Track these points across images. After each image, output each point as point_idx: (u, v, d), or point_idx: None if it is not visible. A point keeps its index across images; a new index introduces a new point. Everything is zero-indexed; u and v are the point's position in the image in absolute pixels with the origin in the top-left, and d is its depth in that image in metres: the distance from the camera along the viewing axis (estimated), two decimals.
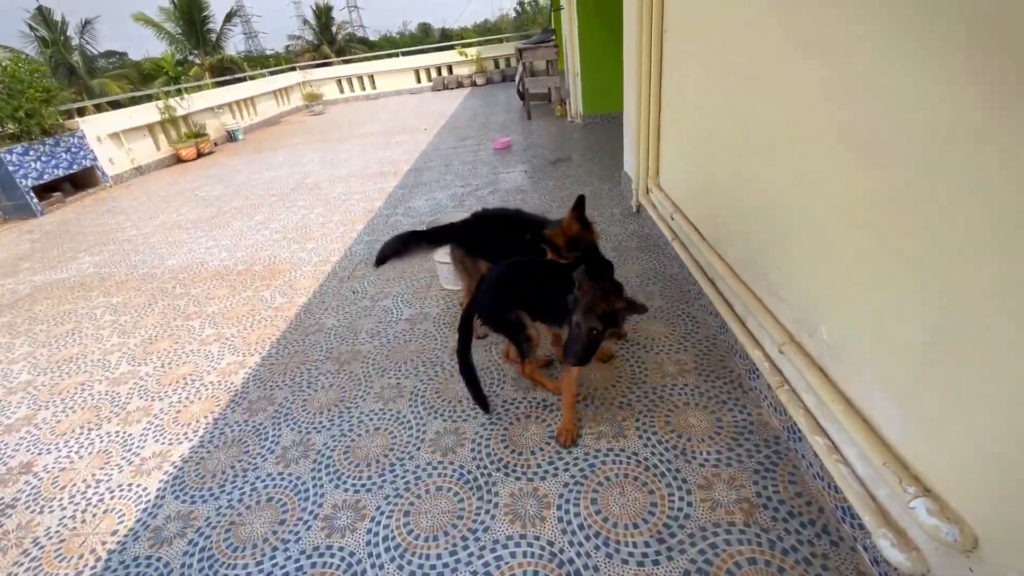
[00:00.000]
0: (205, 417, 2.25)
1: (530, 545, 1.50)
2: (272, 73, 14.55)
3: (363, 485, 1.78)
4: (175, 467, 1.99)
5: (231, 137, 10.48)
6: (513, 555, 1.48)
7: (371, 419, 2.09)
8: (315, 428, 2.08)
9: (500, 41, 16.29)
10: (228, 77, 14.61)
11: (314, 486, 1.81)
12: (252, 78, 13.54)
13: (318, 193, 5.58)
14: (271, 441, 2.04)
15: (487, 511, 1.62)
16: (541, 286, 1.88)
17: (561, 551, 1.47)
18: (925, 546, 1.12)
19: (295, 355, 2.61)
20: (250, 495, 1.81)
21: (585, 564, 1.42)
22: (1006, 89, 0.82)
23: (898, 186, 1.10)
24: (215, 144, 9.85)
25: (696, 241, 2.37)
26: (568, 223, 2.01)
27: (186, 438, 2.14)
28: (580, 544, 1.48)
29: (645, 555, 1.42)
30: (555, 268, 1.92)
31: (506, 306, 1.90)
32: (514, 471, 1.76)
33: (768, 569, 1.34)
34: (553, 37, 8.56)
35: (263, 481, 1.86)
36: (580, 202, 2.02)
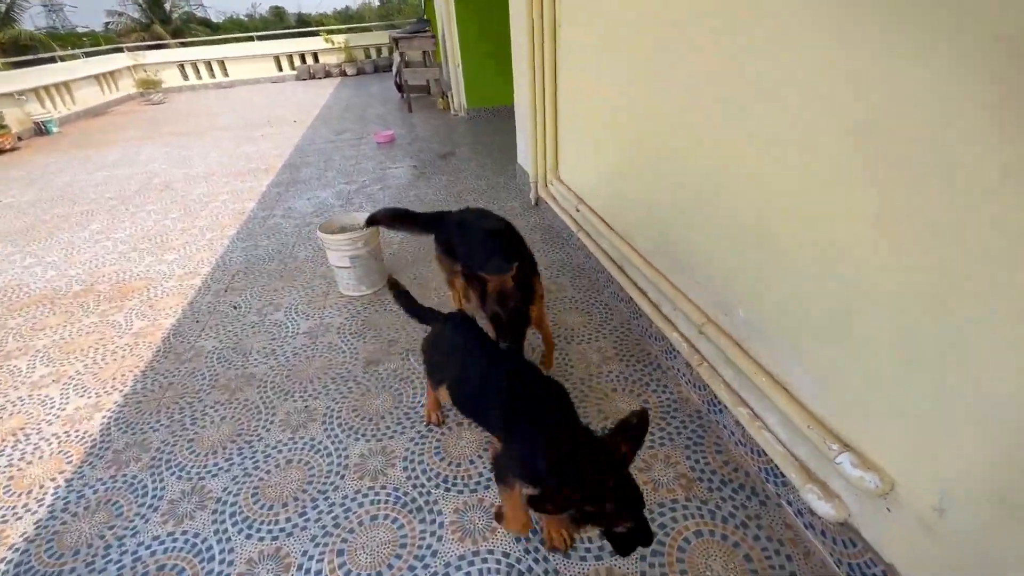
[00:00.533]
0: (52, 480, 1.79)
1: (484, 561, 1.42)
2: (89, 55, 12.24)
3: (282, 529, 1.55)
4: (16, 551, 1.55)
5: (42, 130, 8.62)
6: (469, 575, 1.39)
7: (280, 451, 1.83)
8: (209, 472, 1.77)
9: (368, 30, 15.51)
10: (29, 57, 11.98)
11: (219, 542, 1.53)
12: (63, 59, 11.26)
13: (172, 195, 4.81)
14: (153, 496, 1.69)
15: (432, 533, 1.51)
16: (472, 378, 1.49)
17: (518, 560, 1.41)
18: (845, 494, 1.25)
19: (170, 388, 2.20)
20: (133, 567, 1.48)
21: (545, 569, 1.38)
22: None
23: (806, 176, 1.20)
24: (19, 139, 8.02)
25: (604, 232, 2.44)
26: (498, 283, 1.66)
27: (27, 510, 1.69)
28: (536, 550, 1.43)
29: (602, 548, 1.42)
30: (496, 363, 1.49)
31: (431, 367, 1.70)
32: (455, 484, 1.65)
33: (713, 539, 1.42)
34: (429, 27, 8.34)
35: (149, 547, 1.53)
36: (524, 266, 1.68)
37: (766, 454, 1.48)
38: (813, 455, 1.34)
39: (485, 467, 1.70)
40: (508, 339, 1.64)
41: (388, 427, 1.90)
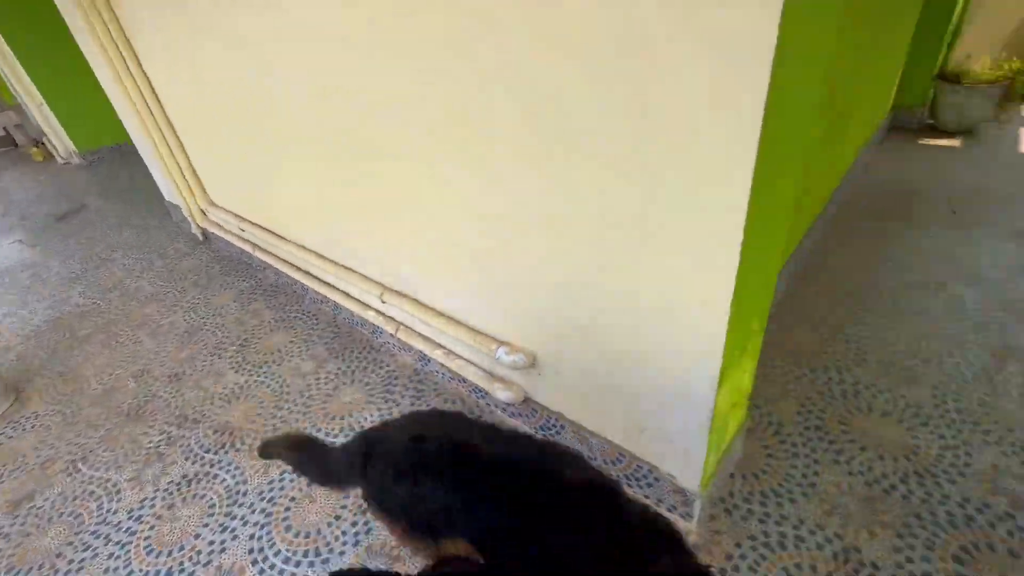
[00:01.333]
0: None
1: None
2: None
3: None
4: None
5: None
6: None
7: None
8: None
9: None
10: None
11: None
12: None
13: None
14: None
15: None
16: None
17: None
18: (517, 379, 1.58)
19: None
20: None
21: None
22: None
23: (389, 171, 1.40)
24: None
25: (276, 242, 2.35)
26: None
27: None
28: None
29: None
30: None
31: None
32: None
33: None
34: None
35: None
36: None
37: (466, 378, 1.73)
38: (489, 362, 1.63)
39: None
40: None
41: (71, 562, 1.51)
